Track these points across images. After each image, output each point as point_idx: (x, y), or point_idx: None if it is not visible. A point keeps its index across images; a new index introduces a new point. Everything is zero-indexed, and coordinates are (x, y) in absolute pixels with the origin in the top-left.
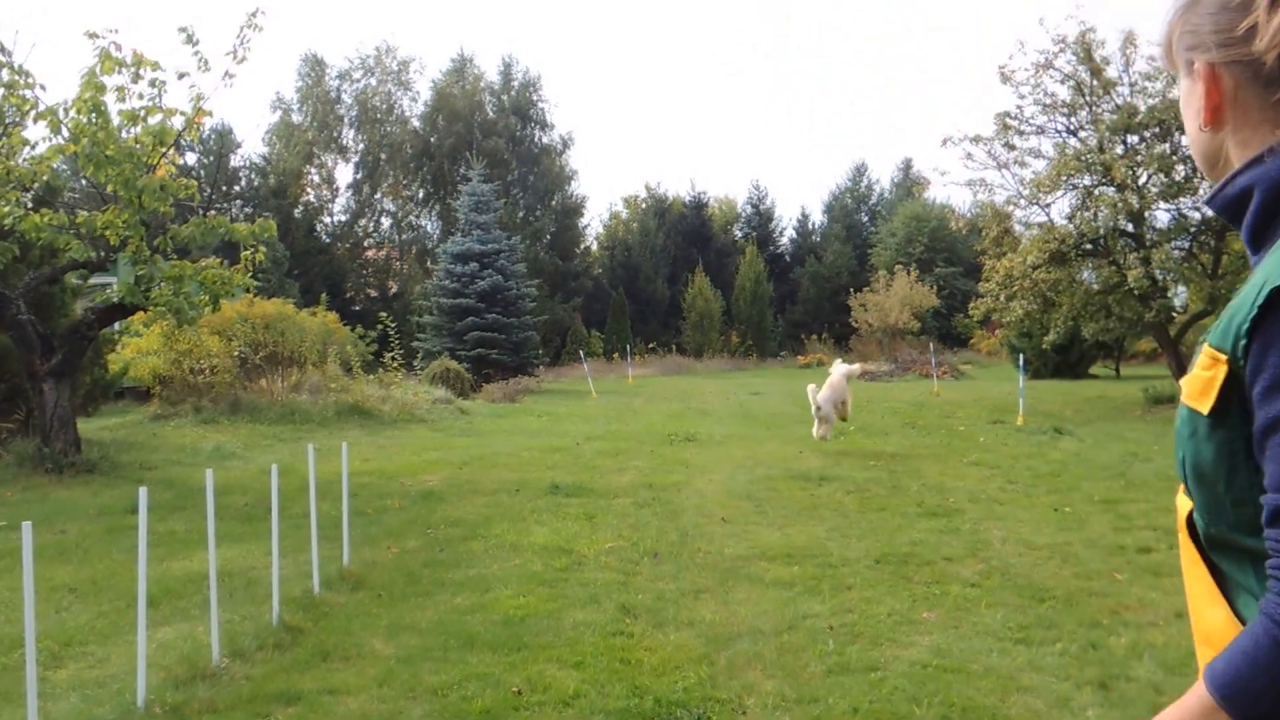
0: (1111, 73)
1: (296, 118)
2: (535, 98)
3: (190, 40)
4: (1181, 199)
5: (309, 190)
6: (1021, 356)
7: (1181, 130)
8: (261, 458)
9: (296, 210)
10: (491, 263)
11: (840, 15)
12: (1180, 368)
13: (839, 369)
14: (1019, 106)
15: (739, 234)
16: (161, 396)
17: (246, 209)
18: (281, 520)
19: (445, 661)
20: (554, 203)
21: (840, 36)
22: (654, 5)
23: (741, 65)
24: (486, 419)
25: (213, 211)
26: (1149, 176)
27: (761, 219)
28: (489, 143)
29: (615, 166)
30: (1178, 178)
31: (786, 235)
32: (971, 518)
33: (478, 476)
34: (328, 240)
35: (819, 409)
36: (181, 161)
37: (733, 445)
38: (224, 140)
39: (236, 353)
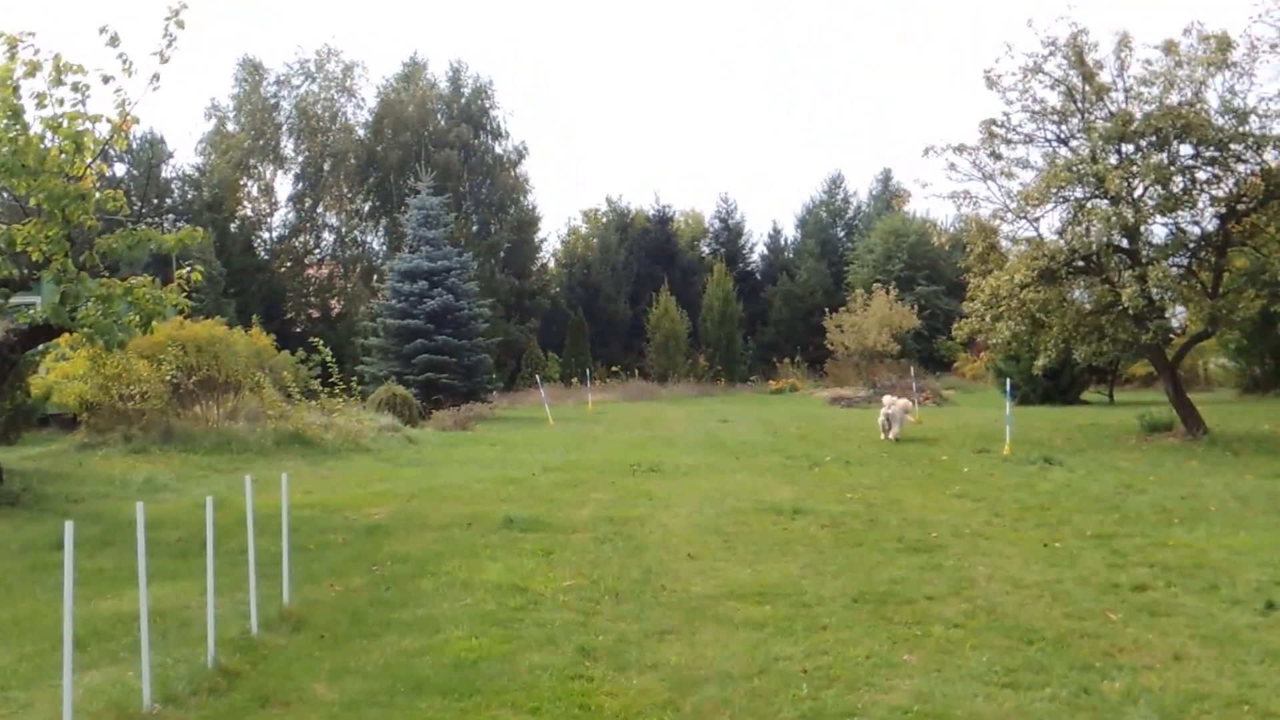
0: (1105, 77)
1: (232, 126)
2: (487, 105)
3: (113, 41)
4: (1179, 212)
5: (246, 203)
6: (1009, 381)
7: (1180, 139)
8: (196, 489)
9: (233, 224)
10: (441, 281)
11: (813, 15)
12: (1179, 392)
13: (901, 402)
14: (1006, 113)
15: (706, 250)
16: (88, 424)
17: (179, 223)
18: (217, 556)
19: (392, 707)
20: (508, 216)
21: (814, 38)
22: (611, 8)
23: (708, 69)
24: (436, 448)
25: (142, 225)
26: (1145, 188)
27: (730, 234)
28: (440, 154)
29: (574, 179)
30: (1175, 190)
31: (757, 252)
32: (955, 553)
33: (427, 509)
34: (266, 257)
35: (889, 416)
36: (109, 172)
37: (700, 476)
38: (154, 150)
39: (168, 377)
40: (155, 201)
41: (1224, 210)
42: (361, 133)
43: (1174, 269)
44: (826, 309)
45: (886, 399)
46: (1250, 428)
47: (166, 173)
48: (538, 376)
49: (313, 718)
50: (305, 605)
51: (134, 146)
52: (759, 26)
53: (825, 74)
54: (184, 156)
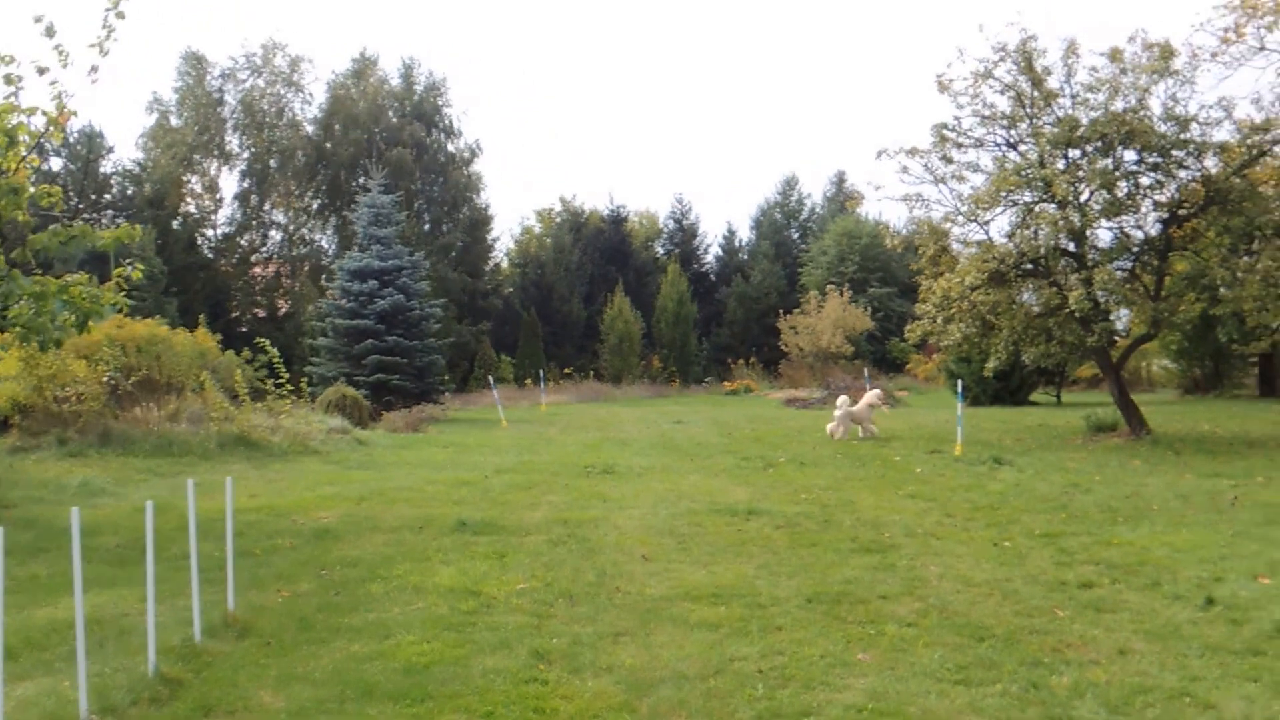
0: (1053, 83)
1: (175, 120)
2: (440, 102)
3: (49, 32)
4: (1123, 217)
5: (189, 200)
6: (960, 382)
7: (1124, 145)
8: (135, 494)
9: (175, 221)
10: (392, 280)
11: (770, 16)
12: (1123, 393)
13: (867, 396)
14: (957, 118)
15: (661, 251)
16: (21, 427)
17: (119, 219)
18: (158, 562)
19: (341, 714)
20: (461, 215)
21: (770, 38)
22: (564, 7)
23: (663, 69)
24: (387, 450)
25: (79, 221)
26: (1091, 193)
27: (685, 235)
28: (392, 152)
29: (528, 178)
30: (1120, 195)
31: (711, 253)
32: (908, 553)
33: (377, 513)
34: (210, 255)
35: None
36: (45, 166)
37: (654, 478)
38: (92, 143)
39: (106, 378)
40: (94, 197)
41: (1166, 215)
42: (310, 129)
43: (1118, 272)
44: (781, 310)
45: (841, 399)
46: (1191, 428)
47: (106, 167)
48: (490, 378)
49: None
50: (251, 611)
51: (71, 140)
52: (714, 26)
53: (781, 74)
54: (124, 151)
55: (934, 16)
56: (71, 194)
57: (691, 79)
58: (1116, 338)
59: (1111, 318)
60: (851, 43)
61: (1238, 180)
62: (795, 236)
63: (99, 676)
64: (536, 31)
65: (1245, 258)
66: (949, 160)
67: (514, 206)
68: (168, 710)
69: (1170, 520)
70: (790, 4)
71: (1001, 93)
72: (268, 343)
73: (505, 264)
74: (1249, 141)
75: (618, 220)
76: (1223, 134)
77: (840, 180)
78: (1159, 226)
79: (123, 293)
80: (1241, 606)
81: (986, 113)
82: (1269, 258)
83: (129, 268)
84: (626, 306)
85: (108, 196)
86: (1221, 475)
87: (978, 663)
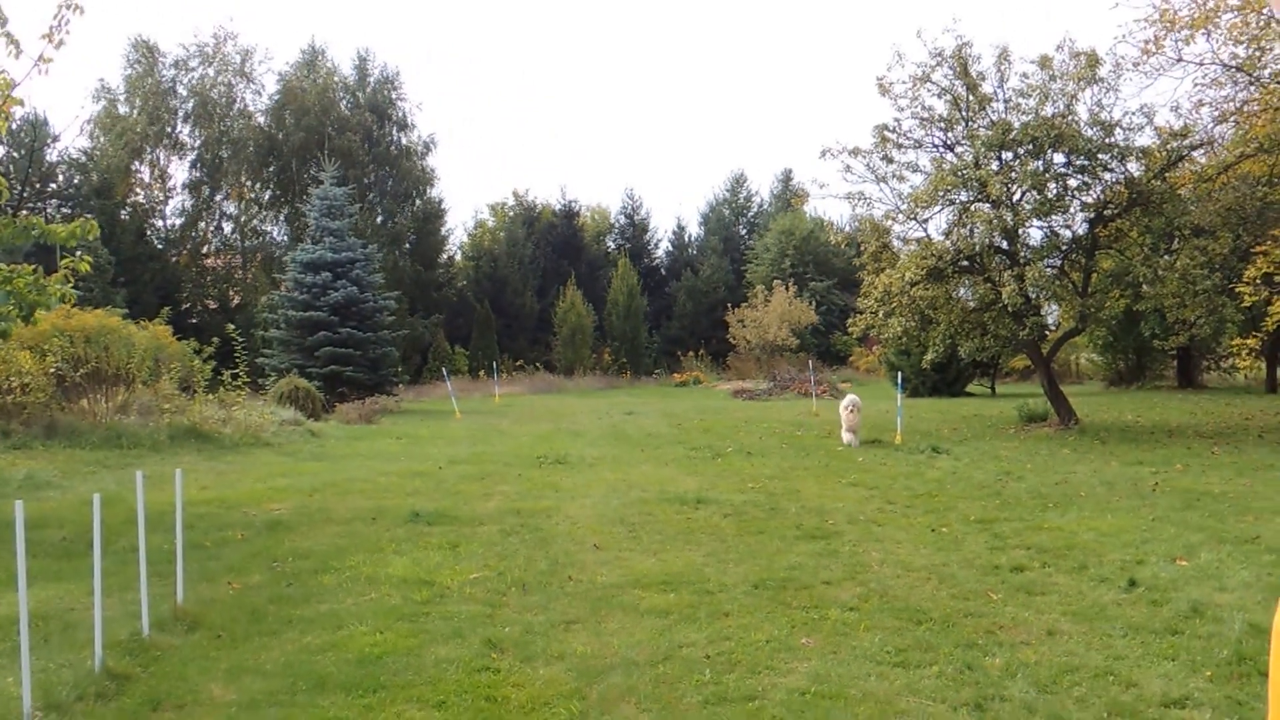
0: (987, 88)
1: (123, 109)
2: (395, 96)
3: None
4: (1053, 217)
5: (138, 190)
6: (900, 374)
7: (1054, 148)
8: (82, 486)
9: (123, 212)
10: (345, 273)
11: (719, 14)
12: (1053, 385)
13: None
14: (897, 119)
15: (612, 245)
16: None
17: (64, 209)
18: (105, 556)
19: (293, 706)
20: (414, 208)
21: (720, 36)
22: (516, 2)
23: (614, 65)
24: (340, 442)
25: (24, 211)
26: (1022, 194)
27: (636, 230)
28: (343, 139)
29: (481, 172)
30: (1050, 195)
31: (662, 247)
32: (850, 540)
33: (330, 504)
34: (160, 246)
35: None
36: None
37: (605, 468)
38: (37, 131)
39: (52, 369)
40: (37, 186)
41: (1092, 215)
42: (262, 119)
43: (1048, 269)
44: (729, 304)
45: (850, 398)
46: (1115, 418)
47: (51, 156)
48: (444, 369)
49: (208, 719)
50: (201, 604)
51: (14, 128)
52: (666, 24)
53: (731, 72)
54: (70, 139)
55: (879, 17)
56: (15, 182)
57: (643, 75)
58: (1047, 332)
59: (1042, 313)
60: (799, 42)
61: (1158, 183)
62: (743, 232)
63: (43, 672)
64: (490, 27)
65: (1165, 257)
66: (890, 160)
67: (467, 199)
68: (114, 705)
69: (1096, 506)
70: (740, 3)
71: (939, 96)
72: (234, 327)
73: (459, 257)
74: (1168, 147)
75: (570, 214)
76: (1144, 139)
77: (787, 178)
78: (1086, 226)
79: (69, 283)
80: (1161, 588)
81: (925, 115)
82: (1187, 257)
83: (76, 259)
84: (579, 299)
85: (53, 185)
86: (1144, 463)
87: (916, 645)
